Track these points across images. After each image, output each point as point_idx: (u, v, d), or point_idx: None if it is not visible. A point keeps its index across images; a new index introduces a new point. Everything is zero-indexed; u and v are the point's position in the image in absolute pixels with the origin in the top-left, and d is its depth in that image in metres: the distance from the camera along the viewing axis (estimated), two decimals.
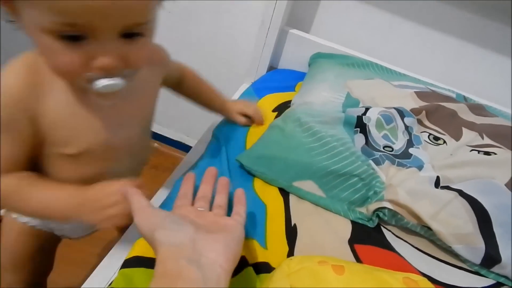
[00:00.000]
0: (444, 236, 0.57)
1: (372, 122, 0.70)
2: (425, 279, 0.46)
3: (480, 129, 0.78)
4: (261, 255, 0.51)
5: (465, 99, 0.94)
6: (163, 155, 1.43)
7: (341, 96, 0.79)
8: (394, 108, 0.75)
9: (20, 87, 0.40)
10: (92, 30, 0.34)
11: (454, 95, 0.93)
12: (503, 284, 0.58)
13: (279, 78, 0.99)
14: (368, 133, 0.70)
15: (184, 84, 0.67)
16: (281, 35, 1.02)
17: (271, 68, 1.08)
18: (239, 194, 0.50)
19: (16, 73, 0.40)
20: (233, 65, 1.16)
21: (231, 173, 0.64)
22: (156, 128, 1.43)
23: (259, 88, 0.91)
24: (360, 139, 0.69)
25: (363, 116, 0.71)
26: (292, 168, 0.62)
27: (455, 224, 0.58)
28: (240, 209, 0.47)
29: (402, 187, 0.60)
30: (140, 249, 0.47)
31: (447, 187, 0.63)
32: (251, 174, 0.64)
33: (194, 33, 1.14)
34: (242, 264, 0.48)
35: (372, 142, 0.69)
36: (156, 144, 1.47)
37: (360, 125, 0.70)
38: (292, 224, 0.57)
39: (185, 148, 1.46)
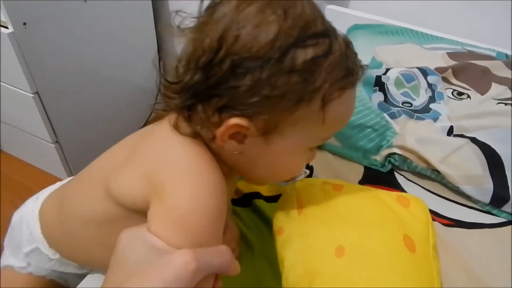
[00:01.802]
0: (452, 177, 0.62)
1: (391, 80, 0.76)
2: (418, 198, 0.53)
3: None
4: (277, 189, 0.62)
5: (507, 56, 0.92)
6: None
7: (366, 60, 0.85)
8: (417, 67, 0.79)
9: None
10: None
11: (494, 54, 0.92)
12: None
13: None
14: (386, 91, 0.76)
15: None
16: None
17: None
18: None
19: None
20: None
21: None
22: None
23: None
24: (378, 96, 0.75)
25: (383, 76, 0.77)
26: None
27: (464, 167, 0.63)
28: None
29: (413, 135, 0.66)
30: None
31: (461, 135, 0.67)
32: None
33: None
34: (256, 196, 0.59)
35: (390, 99, 0.75)
36: None
37: (379, 84, 0.76)
38: (310, 165, 0.67)
39: None
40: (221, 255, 0.33)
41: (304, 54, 0.33)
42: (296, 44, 0.32)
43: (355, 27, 1.06)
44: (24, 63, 0.96)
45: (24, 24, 0.92)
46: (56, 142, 1.15)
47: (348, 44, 0.36)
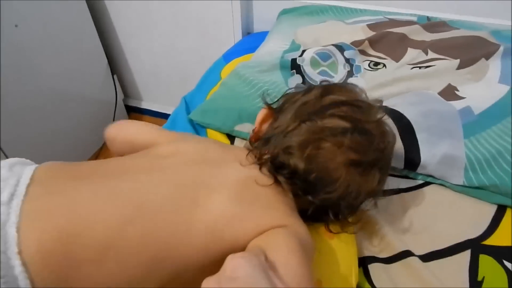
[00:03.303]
0: None
1: (306, 62, 0.77)
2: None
3: (427, 46, 0.79)
4: None
5: (428, 19, 0.93)
6: None
7: (287, 44, 0.86)
8: (333, 44, 0.80)
9: None
10: None
11: (415, 19, 0.93)
12: (430, 183, 0.63)
13: (251, 41, 1.08)
14: (303, 73, 0.77)
15: None
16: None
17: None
18: None
19: None
20: (218, 40, 1.26)
21: (195, 128, 0.76)
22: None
23: (228, 54, 1.01)
24: (295, 79, 0.76)
25: (298, 58, 0.78)
26: (232, 115, 0.72)
27: None
28: None
29: None
30: None
31: None
32: (203, 127, 0.76)
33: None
34: None
35: (308, 80, 0.76)
36: None
37: (295, 67, 0.77)
38: None
39: None
40: None
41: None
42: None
43: (284, 11, 1.06)
44: None
45: None
46: None
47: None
